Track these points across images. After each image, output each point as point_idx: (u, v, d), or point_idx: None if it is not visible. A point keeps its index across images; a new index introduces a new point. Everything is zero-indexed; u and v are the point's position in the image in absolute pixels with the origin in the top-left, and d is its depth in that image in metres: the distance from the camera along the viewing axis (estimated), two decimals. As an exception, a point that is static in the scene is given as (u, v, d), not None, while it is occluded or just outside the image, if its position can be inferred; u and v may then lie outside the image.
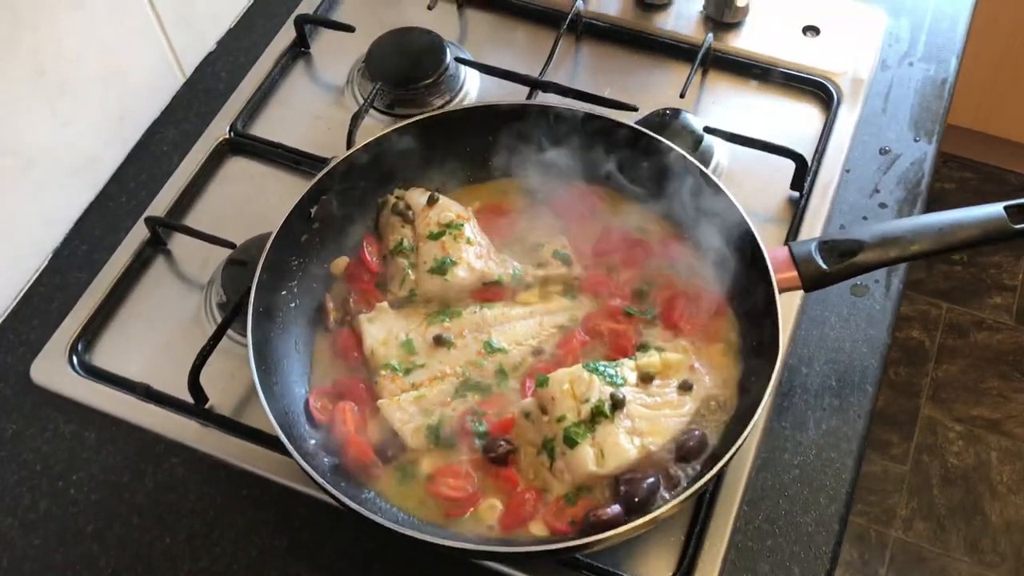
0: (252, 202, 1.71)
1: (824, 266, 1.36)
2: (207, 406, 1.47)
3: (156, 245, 1.66)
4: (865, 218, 1.63)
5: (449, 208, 1.49)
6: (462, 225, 1.47)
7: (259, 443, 1.38)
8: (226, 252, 1.57)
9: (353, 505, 1.19)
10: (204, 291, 1.62)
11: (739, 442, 1.22)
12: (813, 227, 1.56)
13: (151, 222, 1.64)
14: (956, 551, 2.93)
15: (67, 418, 1.49)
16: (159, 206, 1.69)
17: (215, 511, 1.38)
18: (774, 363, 1.28)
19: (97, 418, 1.44)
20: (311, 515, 1.36)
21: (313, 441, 1.34)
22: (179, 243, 1.65)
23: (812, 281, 1.36)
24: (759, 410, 1.24)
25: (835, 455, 1.39)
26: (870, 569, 3.05)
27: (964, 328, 3.46)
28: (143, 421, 1.47)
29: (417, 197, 1.52)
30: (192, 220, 1.69)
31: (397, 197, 1.53)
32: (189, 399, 1.46)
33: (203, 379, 1.46)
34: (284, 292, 1.44)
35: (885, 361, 1.50)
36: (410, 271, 1.45)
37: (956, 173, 3.75)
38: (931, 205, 1.67)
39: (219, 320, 1.54)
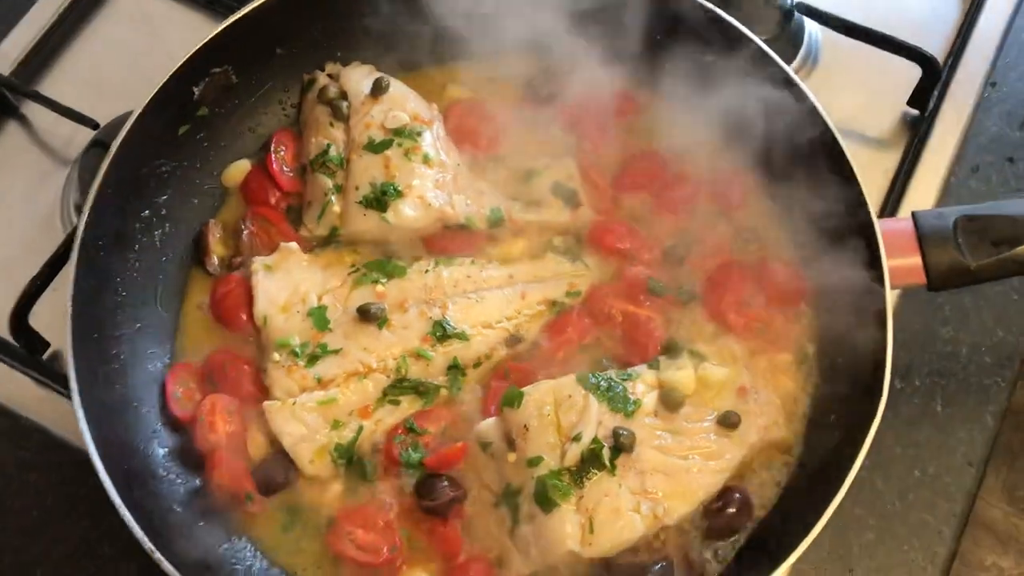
0: (143, 55, 1.32)
1: (966, 257, 0.89)
2: (45, 356, 1.12)
3: (4, 109, 1.26)
4: (1011, 159, 1.21)
5: (403, 103, 1.02)
6: (420, 132, 1.01)
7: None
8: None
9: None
10: (67, 176, 1.24)
11: (815, 530, 0.85)
12: (936, 166, 1.22)
13: (-9, 79, 1.19)
14: (992, 495, 2.68)
15: None
16: (13, 50, 1.29)
17: (41, 513, 1.09)
18: (877, 399, 0.89)
19: None
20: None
21: (164, 449, 0.97)
22: (38, 105, 1.26)
23: (943, 278, 0.93)
24: (849, 476, 0.87)
25: (929, 517, 1.07)
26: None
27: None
28: (-47, 369, 1.13)
29: (358, 80, 1.05)
30: (57, 76, 1.32)
31: (330, 75, 1.06)
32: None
33: (42, 317, 1.10)
34: (147, 212, 1.08)
35: (1017, 379, 1.06)
36: (334, 198, 1.00)
37: None
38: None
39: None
